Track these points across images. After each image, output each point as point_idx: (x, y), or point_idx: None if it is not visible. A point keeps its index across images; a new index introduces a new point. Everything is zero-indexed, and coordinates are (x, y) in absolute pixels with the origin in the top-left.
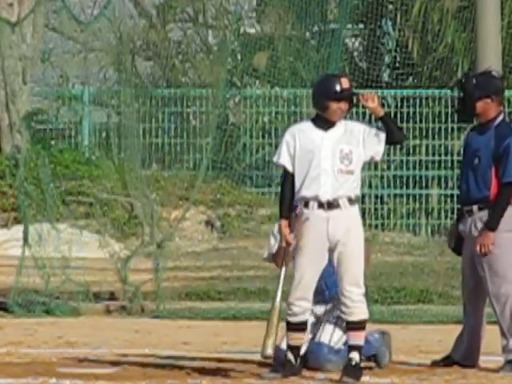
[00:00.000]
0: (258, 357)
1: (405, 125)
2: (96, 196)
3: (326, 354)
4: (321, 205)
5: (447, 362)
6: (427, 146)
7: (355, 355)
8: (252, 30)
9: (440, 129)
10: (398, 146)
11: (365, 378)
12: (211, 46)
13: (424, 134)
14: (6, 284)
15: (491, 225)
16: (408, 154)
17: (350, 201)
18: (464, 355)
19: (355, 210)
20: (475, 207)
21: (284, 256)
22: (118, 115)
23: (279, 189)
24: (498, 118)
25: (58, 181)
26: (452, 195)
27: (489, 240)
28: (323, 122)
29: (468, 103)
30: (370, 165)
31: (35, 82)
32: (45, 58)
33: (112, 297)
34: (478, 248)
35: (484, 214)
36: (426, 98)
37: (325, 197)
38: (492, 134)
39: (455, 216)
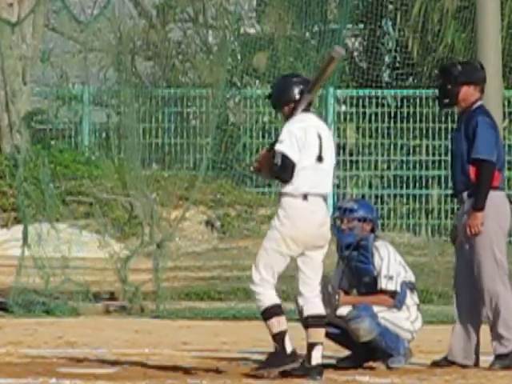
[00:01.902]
0: (257, 357)
1: (405, 125)
2: (96, 196)
3: (370, 314)
4: None
5: (447, 362)
6: (427, 146)
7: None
8: (252, 30)
9: (440, 129)
10: (399, 146)
11: (365, 378)
12: (211, 45)
13: (424, 133)
14: (6, 284)
15: (476, 205)
16: (408, 154)
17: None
18: (463, 355)
19: (279, 206)
20: (464, 194)
21: None
22: (118, 115)
23: (279, 189)
24: (474, 105)
25: (58, 181)
26: (452, 195)
27: (476, 221)
28: None
29: (452, 88)
30: (370, 165)
31: (35, 82)
32: (45, 58)
33: (112, 297)
34: (468, 230)
35: (471, 201)
36: (426, 98)
37: None
38: (466, 118)
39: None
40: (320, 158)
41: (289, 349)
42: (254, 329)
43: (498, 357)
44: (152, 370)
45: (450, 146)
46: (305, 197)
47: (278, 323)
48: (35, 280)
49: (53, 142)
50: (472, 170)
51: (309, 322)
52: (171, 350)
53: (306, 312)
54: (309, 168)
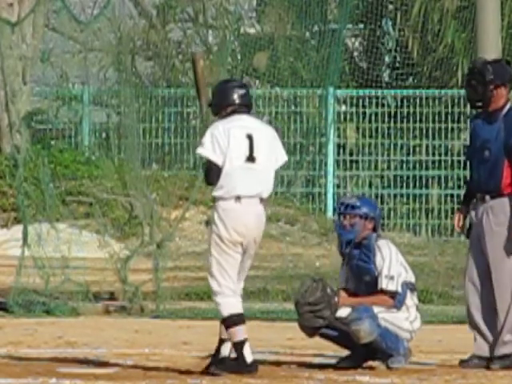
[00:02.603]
0: (257, 357)
1: (405, 125)
2: (96, 196)
3: (371, 316)
4: None
5: (477, 358)
6: (427, 146)
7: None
8: (252, 30)
9: (440, 129)
10: (399, 146)
11: (365, 378)
12: (211, 45)
13: (424, 133)
14: (6, 284)
15: None
16: (408, 154)
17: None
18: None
19: (214, 210)
20: (488, 196)
21: None
22: (118, 115)
23: (279, 189)
24: (505, 107)
25: (58, 181)
26: (452, 195)
27: None
28: None
29: (485, 91)
30: (370, 165)
31: (35, 81)
32: (45, 58)
33: (112, 297)
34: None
35: (496, 203)
36: (426, 98)
37: None
38: (501, 124)
39: (458, 207)
40: (251, 159)
41: (249, 358)
42: (253, 329)
43: (499, 357)
44: (152, 370)
45: (468, 141)
46: (237, 198)
47: (237, 333)
48: (35, 280)
49: (53, 142)
50: (506, 177)
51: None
52: (171, 349)
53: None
54: (238, 169)
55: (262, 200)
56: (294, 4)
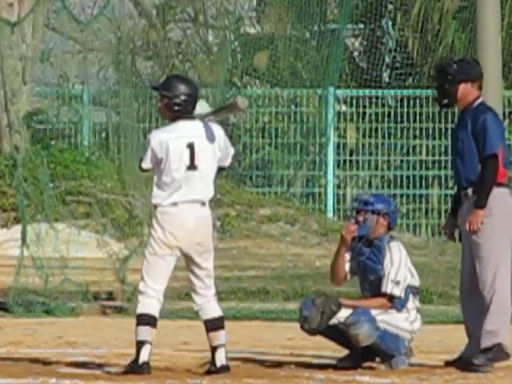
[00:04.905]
0: (257, 356)
1: (405, 125)
2: (96, 196)
3: (369, 319)
4: None
5: (462, 362)
6: (427, 146)
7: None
8: (252, 30)
9: (440, 129)
10: (399, 146)
11: (365, 378)
12: (211, 45)
13: (424, 133)
14: (6, 284)
15: (479, 202)
16: (408, 154)
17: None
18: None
19: (153, 217)
20: (470, 190)
21: None
22: (118, 115)
23: (279, 189)
24: (475, 102)
25: (58, 181)
26: (452, 195)
27: (477, 218)
28: None
29: (450, 87)
30: (370, 165)
31: (35, 81)
32: (44, 58)
33: (111, 297)
34: (467, 226)
35: None
36: (426, 98)
37: None
38: (470, 115)
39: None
40: (192, 167)
41: (141, 359)
42: (254, 329)
43: (482, 351)
44: (152, 370)
45: (450, 144)
46: (174, 204)
47: (143, 332)
48: (35, 280)
49: (53, 142)
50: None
51: (207, 327)
52: (171, 349)
53: (203, 317)
54: (179, 180)
55: (203, 204)
56: (294, 4)
